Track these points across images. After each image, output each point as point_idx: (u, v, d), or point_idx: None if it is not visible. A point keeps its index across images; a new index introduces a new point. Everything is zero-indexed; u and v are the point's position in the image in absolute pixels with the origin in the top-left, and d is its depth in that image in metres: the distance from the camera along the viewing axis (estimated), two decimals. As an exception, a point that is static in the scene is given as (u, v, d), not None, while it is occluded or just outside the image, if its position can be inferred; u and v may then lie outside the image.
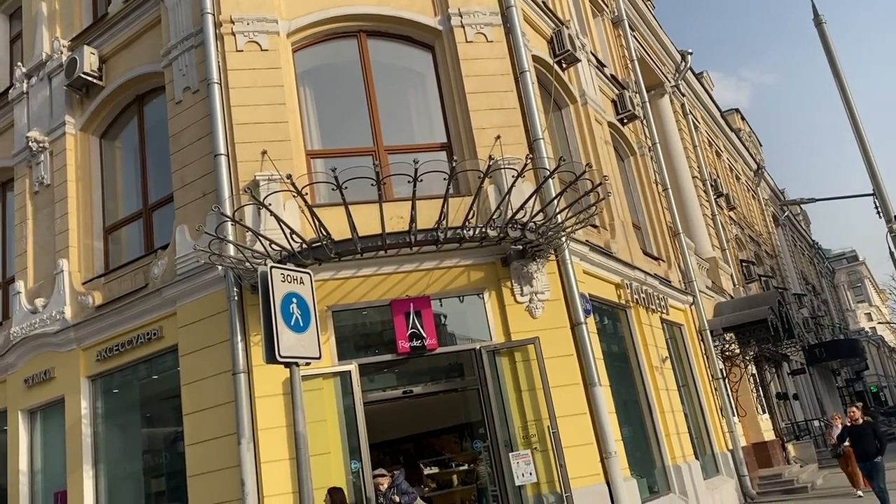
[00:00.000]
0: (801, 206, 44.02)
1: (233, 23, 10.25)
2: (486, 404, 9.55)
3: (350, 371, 9.20)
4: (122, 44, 11.68)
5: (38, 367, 11.47)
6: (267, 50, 10.29)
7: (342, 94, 11.15)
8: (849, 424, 12.59)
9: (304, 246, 8.89)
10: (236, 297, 9.22)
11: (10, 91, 13.12)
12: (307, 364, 5.51)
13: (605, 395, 9.94)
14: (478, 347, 9.70)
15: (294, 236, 8.78)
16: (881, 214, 12.14)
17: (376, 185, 8.63)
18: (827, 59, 12.05)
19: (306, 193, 8.82)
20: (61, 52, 12.32)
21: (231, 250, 9.11)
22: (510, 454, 9.18)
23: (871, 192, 12.24)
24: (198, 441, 9.26)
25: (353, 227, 8.78)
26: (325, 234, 8.82)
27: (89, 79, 11.58)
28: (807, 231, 55.99)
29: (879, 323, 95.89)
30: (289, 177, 8.44)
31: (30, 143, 12.20)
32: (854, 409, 12.67)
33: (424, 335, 9.51)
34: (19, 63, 13.13)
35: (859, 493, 14.33)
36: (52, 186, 11.98)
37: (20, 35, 13.70)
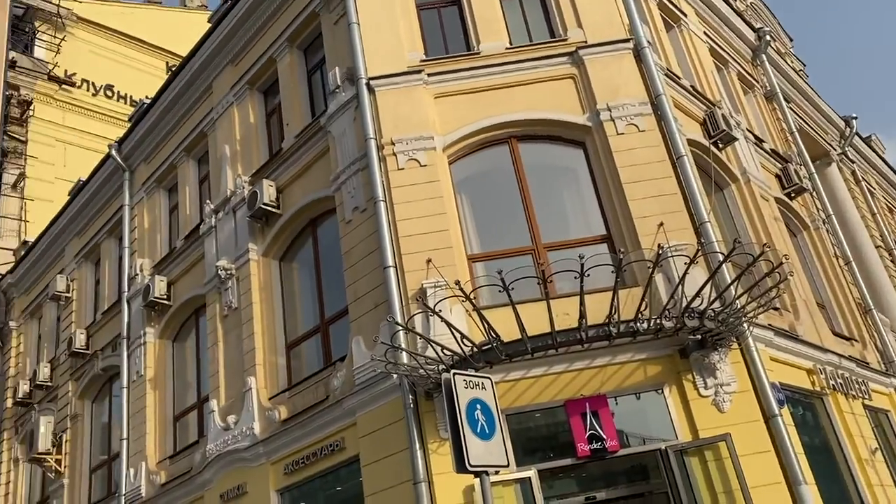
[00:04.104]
0: None
1: (393, 144, 10.91)
2: (678, 509, 8.87)
3: (530, 477, 8.93)
4: (296, 174, 12.71)
5: (232, 482, 12.06)
6: (426, 165, 10.81)
7: (497, 198, 11.38)
8: None
9: (475, 349, 8.95)
10: (412, 405, 9.34)
11: (201, 227, 14.57)
12: (496, 472, 5.40)
13: (812, 493, 8.94)
14: (663, 447, 9.12)
15: (465, 340, 8.87)
16: None
17: (542, 284, 8.63)
18: None
19: (475, 297, 8.96)
20: (243, 188, 13.55)
21: (404, 357, 9.32)
22: (712, 564, 8.39)
23: None
24: (383, 552, 9.24)
25: (521, 328, 8.75)
26: (494, 335, 8.85)
27: (268, 209, 12.59)
28: None
29: None
30: (457, 282, 8.64)
31: (219, 272, 13.37)
32: None
33: (605, 436, 9.10)
34: (208, 200, 14.62)
35: None
36: (238, 309, 12.97)
37: (208, 176, 15.31)
